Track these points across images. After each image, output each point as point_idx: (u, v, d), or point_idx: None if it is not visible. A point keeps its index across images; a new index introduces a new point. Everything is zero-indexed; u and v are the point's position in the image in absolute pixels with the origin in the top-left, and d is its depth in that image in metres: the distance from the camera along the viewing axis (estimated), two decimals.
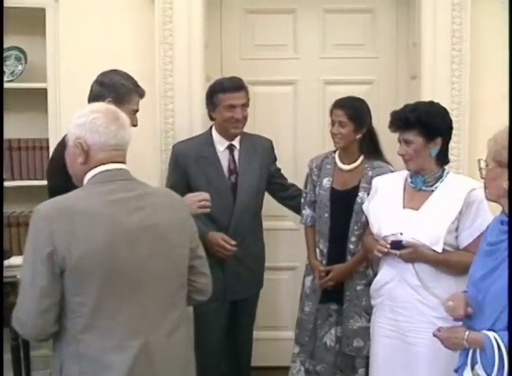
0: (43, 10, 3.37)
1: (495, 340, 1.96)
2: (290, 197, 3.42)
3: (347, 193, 3.12)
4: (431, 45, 3.47)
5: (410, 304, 2.55)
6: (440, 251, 2.50)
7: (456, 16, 3.44)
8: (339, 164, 3.19)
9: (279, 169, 3.44)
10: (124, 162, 1.99)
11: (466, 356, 2.09)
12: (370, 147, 3.16)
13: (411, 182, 2.68)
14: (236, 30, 3.87)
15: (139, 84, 2.78)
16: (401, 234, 2.56)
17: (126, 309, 1.86)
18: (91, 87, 2.72)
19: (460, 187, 2.54)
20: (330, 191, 3.14)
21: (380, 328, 2.69)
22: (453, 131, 2.74)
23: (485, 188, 2.15)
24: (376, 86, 3.89)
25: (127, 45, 3.51)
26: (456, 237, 2.54)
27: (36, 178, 3.50)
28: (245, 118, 3.17)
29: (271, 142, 3.39)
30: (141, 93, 2.78)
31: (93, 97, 2.65)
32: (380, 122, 3.88)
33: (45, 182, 3.39)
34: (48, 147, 3.44)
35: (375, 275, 2.95)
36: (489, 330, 2.00)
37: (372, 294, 2.78)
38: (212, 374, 3.18)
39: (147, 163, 3.40)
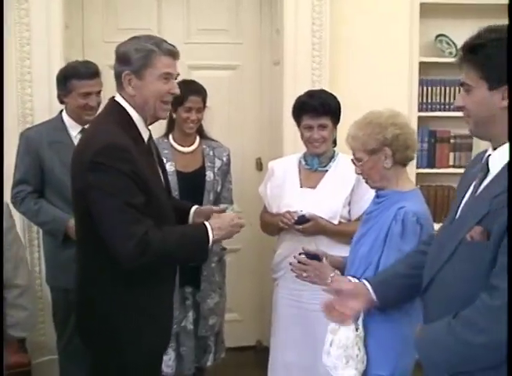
0: None
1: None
2: None
3: (195, 174, 3.21)
4: (293, 32, 3.56)
5: None
6: (336, 223, 2.77)
7: (316, 4, 3.56)
8: (178, 147, 3.24)
9: None
10: None
11: None
12: (202, 129, 3.30)
13: (306, 164, 2.88)
14: (98, 11, 3.76)
15: None
16: (301, 211, 2.74)
17: None
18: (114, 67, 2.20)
19: (351, 166, 2.59)
20: (176, 174, 3.17)
21: (282, 299, 2.87)
22: None
23: (367, 180, 2.30)
24: (240, 71, 3.94)
25: None
26: (349, 211, 2.80)
27: None
28: (99, 105, 3.08)
29: None
30: (168, 50, 2.16)
31: (115, 78, 2.16)
32: (246, 106, 3.97)
33: None
34: None
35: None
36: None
37: (273, 268, 2.92)
38: None
39: (4, 152, 3.23)
